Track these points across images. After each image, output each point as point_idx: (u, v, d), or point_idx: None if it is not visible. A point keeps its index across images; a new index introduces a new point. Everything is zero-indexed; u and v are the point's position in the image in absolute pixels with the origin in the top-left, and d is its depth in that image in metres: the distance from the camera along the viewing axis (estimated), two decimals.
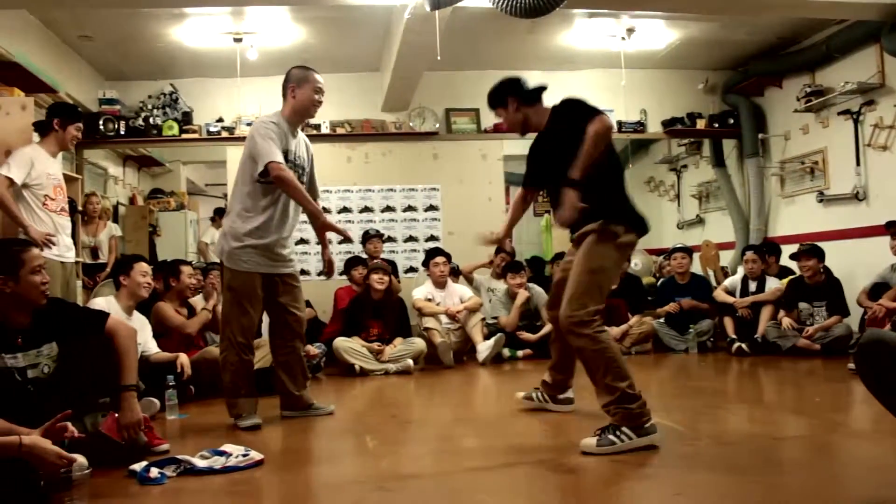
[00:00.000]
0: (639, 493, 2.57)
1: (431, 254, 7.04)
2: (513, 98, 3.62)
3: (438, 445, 3.51)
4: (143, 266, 4.68)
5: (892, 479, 2.66)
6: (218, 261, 4.45)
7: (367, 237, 7.34)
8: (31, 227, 4.46)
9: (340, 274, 7.36)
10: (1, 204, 4.46)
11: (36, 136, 4.97)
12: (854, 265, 6.65)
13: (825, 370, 5.10)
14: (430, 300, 6.78)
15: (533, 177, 3.81)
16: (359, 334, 6.25)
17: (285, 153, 3.84)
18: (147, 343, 4.57)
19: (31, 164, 4.55)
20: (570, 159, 3.13)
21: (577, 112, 3.30)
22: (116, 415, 3.05)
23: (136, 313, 4.60)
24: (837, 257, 6.57)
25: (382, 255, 7.30)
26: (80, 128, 4.90)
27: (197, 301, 5.54)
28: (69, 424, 2.59)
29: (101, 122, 7.31)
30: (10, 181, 4.45)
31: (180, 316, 5.15)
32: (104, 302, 4.42)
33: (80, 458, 2.67)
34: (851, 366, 5.07)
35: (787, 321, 6.26)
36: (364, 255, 7.25)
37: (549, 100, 3.61)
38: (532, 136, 3.70)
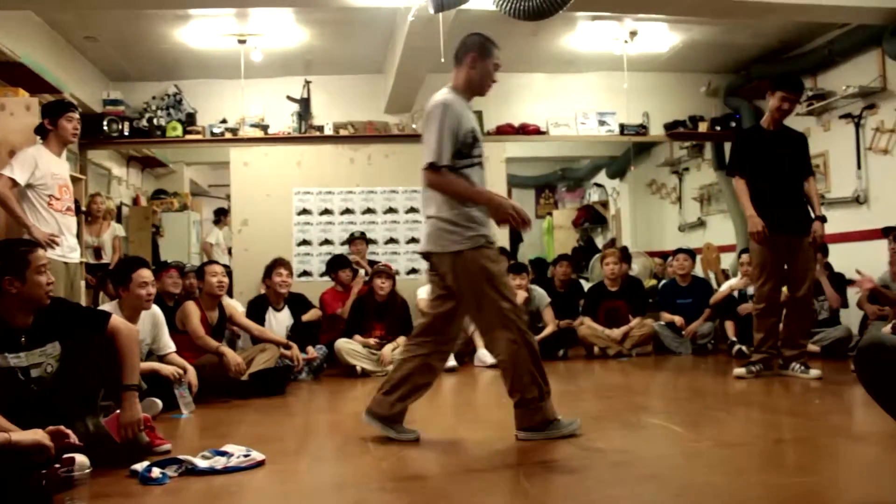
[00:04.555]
0: (640, 495, 2.57)
1: None
2: None
3: (439, 447, 3.52)
4: (143, 274, 4.24)
5: (893, 482, 2.68)
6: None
7: (352, 239, 7.35)
8: (34, 228, 4.46)
9: (322, 275, 7.23)
10: (4, 204, 4.47)
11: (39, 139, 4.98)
12: (854, 268, 6.62)
13: (825, 372, 5.09)
14: None
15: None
16: (362, 336, 6.26)
17: (474, 133, 3.34)
18: (162, 340, 4.50)
19: (35, 165, 4.55)
20: (793, 177, 5.05)
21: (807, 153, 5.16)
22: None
23: (154, 307, 4.45)
24: (838, 260, 6.57)
25: (369, 257, 7.34)
26: (71, 117, 4.77)
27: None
28: (70, 432, 2.61)
29: (105, 123, 7.33)
30: (14, 182, 4.45)
31: (200, 325, 5.07)
32: (111, 307, 4.34)
33: (82, 458, 2.68)
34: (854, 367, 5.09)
35: None
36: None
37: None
38: None
